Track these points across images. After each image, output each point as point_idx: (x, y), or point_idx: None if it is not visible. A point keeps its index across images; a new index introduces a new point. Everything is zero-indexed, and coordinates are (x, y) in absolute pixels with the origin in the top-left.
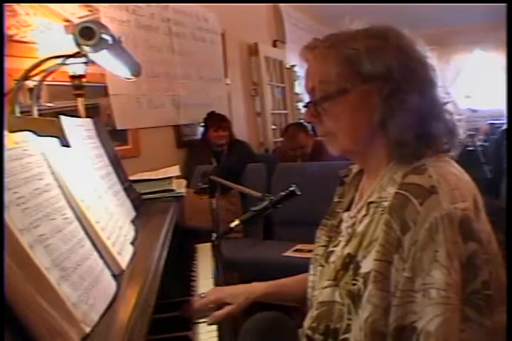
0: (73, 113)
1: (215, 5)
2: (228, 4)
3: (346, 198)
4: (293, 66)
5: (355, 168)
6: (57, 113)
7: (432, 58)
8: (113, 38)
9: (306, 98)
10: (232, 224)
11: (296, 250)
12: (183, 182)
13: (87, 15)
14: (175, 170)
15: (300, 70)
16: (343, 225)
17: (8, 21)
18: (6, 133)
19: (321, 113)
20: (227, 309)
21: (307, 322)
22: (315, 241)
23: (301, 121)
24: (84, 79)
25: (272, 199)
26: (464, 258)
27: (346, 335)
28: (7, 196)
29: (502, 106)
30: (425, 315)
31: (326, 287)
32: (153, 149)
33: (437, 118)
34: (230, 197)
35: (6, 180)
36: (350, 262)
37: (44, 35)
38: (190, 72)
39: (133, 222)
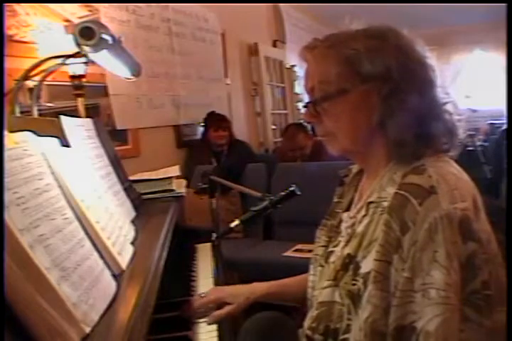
0: (73, 113)
1: (215, 5)
2: (228, 4)
3: (346, 198)
4: (293, 66)
5: (354, 168)
6: (57, 113)
7: (432, 58)
8: (113, 38)
9: (306, 98)
10: (232, 224)
11: (296, 250)
12: (183, 182)
13: (87, 15)
14: (175, 170)
15: (300, 70)
16: (343, 225)
17: (8, 21)
18: (6, 133)
19: (320, 113)
20: (227, 309)
21: (307, 322)
22: (315, 241)
23: (301, 121)
24: (84, 79)
25: (272, 199)
26: (463, 258)
27: (346, 335)
28: (7, 196)
29: (502, 106)
30: (425, 315)
31: (325, 287)
32: (153, 149)
33: (437, 119)
34: (230, 197)
35: (6, 180)
36: (349, 262)
37: (44, 35)
38: (190, 72)
39: (133, 222)
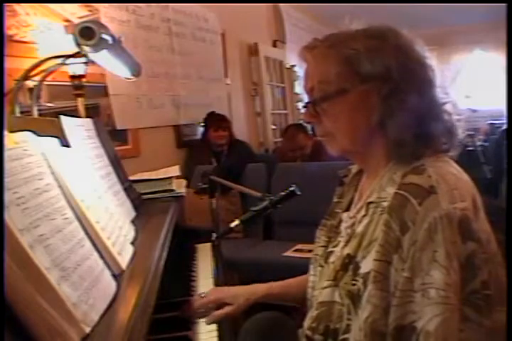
0: (73, 113)
1: (215, 5)
2: (228, 4)
3: (346, 198)
4: (293, 66)
5: (354, 168)
6: (57, 113)
7: (431, 58)
8: (113, 38)
9: (306, 98)
10: (232, 224)
11: (296, 250)
12: (183, 182)
13: (87, 15)
14: (175, 170)
15: (300, 70)
16: (343, 225)
17: (8, 21)
18: (6, 133)
19: (320, 113)
20: (226, 309)
21: (307, 323)
22: (314, 241)
23: (301, 122)
24: (84, 79)
25: (272, 199)
26: (463, 258)
27: (346, 335)
28: (7, 196)
29: (502, 106)
30: (424, 315)
31: (325, 287)
32: (153, 149)
33: (436, 119)
34: (230, 197)
35: (6, 180)
36: (349, 262)
37: (44, 35)
38: (190, 72)
39: (133, 222)
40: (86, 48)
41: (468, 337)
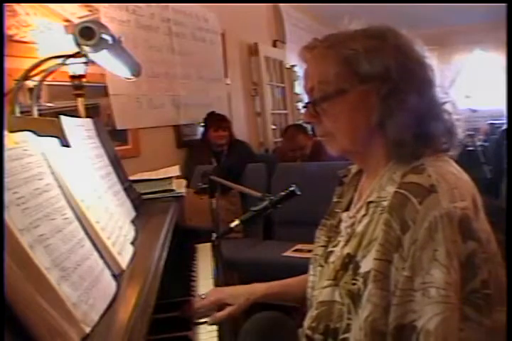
0: (73, 113)
1: (215, 5)
2: (228, 4)
3: (345, 198)
4: (293, 66)
5: (354, 168)
6: (57, 113)
7: (431, 58)
8: (113, 38)
9: (306, 98)
10: (232, 224)
11: (296, 250)
12: (183, 182)
13: (87, 15)
14: (175, 170)
15: (300, 70)
16: (343, 225)
17: (8, 21)
18: (6, 133)
19: (319, 113)
20: (228, 310)
21: (307, 322)
22: (314, 241)
23: (301, 122)
24: (84, 79)
25: (272, 199)
26: (463, 257)
27: (346, 335)
28: (7, 196)
29: (502, 106)
30: (425, 314)
31: (325, 287)
32: (153, 149)
33: (436, 118)
34: (230, 197)
35: (6, 180)
36: (349, 262)
37: (44, 35)
38: (190, 72)
39: (133, 222)
40: (86, 48)
41: (468, 336)
